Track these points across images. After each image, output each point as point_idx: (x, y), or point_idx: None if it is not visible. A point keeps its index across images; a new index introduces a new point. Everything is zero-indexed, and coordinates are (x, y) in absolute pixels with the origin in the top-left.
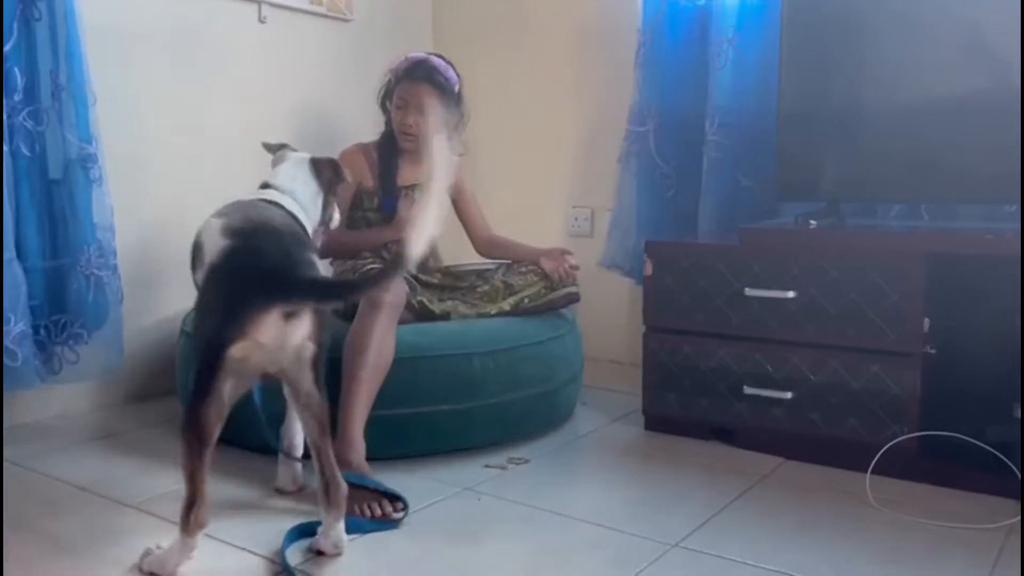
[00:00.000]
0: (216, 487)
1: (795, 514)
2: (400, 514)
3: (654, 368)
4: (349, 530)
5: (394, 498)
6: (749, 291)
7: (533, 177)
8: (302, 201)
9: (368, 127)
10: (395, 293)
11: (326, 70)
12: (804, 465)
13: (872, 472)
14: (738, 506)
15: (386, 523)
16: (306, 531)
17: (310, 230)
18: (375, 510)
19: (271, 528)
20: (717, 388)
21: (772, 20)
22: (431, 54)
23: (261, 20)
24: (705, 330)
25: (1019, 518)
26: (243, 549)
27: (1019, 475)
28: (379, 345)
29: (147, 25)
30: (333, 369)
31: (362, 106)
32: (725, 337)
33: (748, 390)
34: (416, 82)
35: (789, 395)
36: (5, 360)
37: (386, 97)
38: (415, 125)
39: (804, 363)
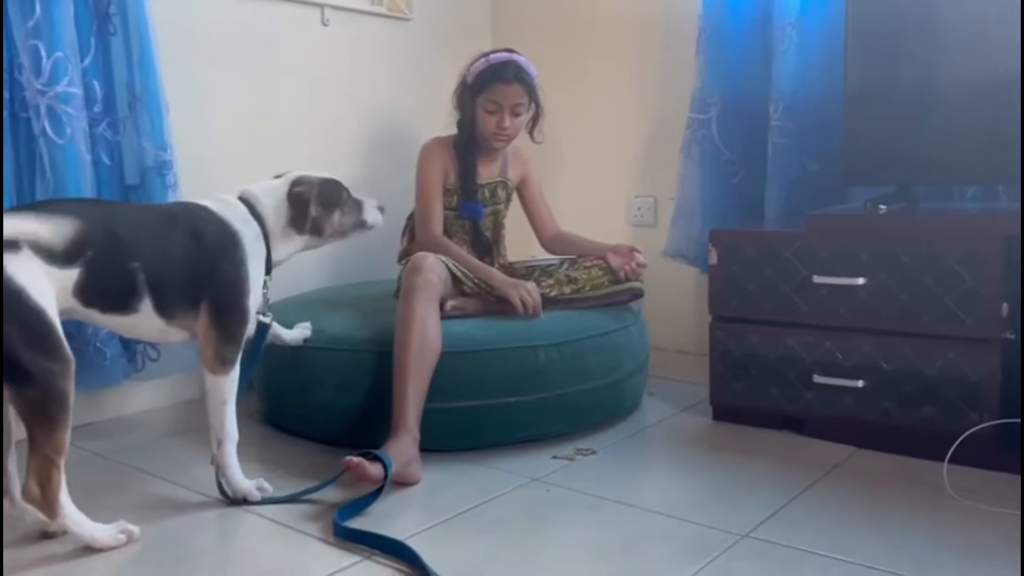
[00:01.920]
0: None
1: (868, 504)
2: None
3: (721, 357)
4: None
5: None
6: (817, 278)
7: (595, 168)
8: (263, 208)
9: (429, 124)
10: (426, 274)
11: (388, 69)
12: (877, 454)
13: (949, 461)
14: (809, 496)
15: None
16: (356, 509)
17: (275, 231)
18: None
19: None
20: (786, 377)
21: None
22: (509, 51)
23: (324, 23)
24: (773, 318)
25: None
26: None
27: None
28: (421, 328)
29: (215, 32)
30: (384, 361)
31: (423, 103)
32: (793, 325)
33: (818, 379)
34: (508, 84)
35: (860, 383)
36: (96, 359)
37: (462, 96)
38: (511, 127)
39: (876, 350)
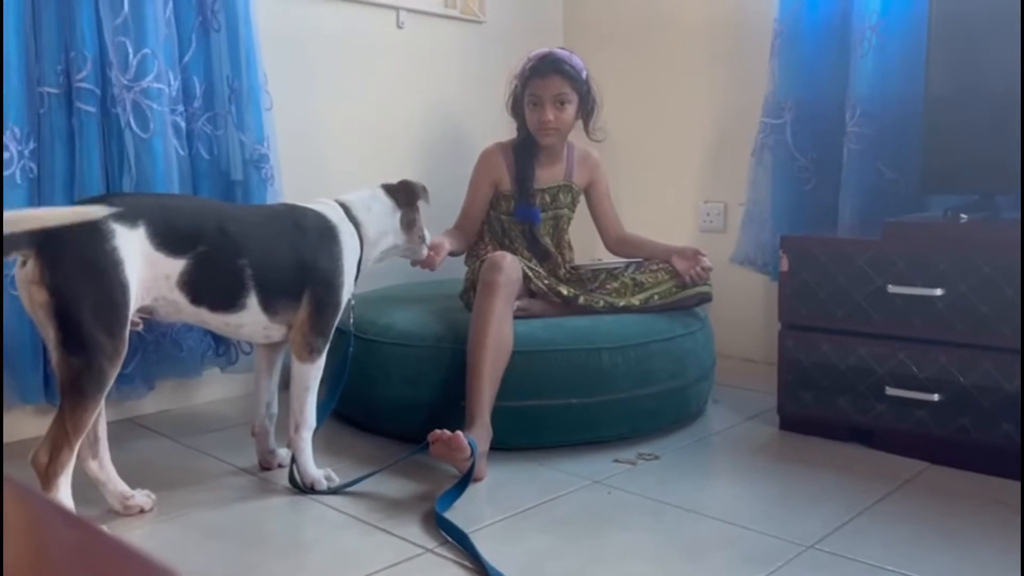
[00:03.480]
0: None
1: (941, 521)
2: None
3: (790, 366)
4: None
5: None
6: (892, 288)
7: (664, 172)
8: (357, 211)
9: (501, 127)
10: (507, 272)
11: (461, 72)
12: (951, 471)
13: None
14: (878, 510)
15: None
16: (454, 496)
17: (368, 234)
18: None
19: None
20: (857, 388)
21: (920, 2)
22: (552, 48)
23: (399, 26)
24: (844, 328)
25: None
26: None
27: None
28: (497, 328)
29: (301, 33)
30: (451, 358)
31: (495, 106)
32: (866, 335)
33: (890, 391)
34: (544, 76)
35: (936, 397)
36: (172, 350)
37: (515, 103)
38: (555, 120)
39: (953, 364)
